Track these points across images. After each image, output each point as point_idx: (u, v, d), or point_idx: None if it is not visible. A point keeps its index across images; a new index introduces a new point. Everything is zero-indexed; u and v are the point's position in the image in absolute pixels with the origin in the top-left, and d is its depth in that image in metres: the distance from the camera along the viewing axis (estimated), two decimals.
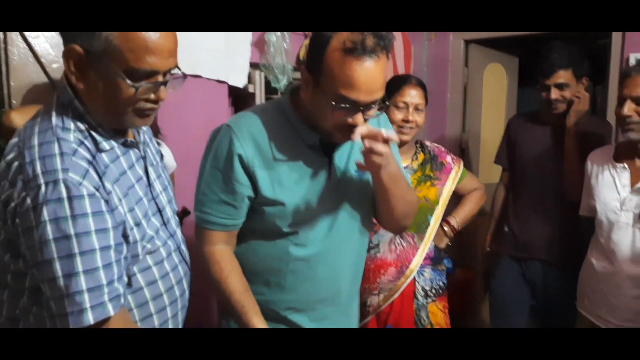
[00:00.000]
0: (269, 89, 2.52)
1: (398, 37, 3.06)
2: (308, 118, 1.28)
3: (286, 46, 2.41)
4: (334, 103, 1.16)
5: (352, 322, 1.55)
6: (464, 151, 3.51)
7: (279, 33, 2.38)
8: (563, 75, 2.16)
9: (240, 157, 1.26)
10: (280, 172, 1.29)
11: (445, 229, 2.07)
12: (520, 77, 3.75)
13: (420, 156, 2.04)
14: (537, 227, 2.29)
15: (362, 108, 1.17)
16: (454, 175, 2.04)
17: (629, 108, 1.76)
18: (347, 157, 1.37)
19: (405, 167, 1.98)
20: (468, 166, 3.48)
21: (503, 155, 2.47)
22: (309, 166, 1.31)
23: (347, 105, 1.16)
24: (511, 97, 3.68)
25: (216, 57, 2.25)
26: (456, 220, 2.09)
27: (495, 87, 3.61)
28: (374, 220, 1.93)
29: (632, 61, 2.64)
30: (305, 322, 1.42)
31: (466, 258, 3.39)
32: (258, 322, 1.29)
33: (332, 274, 1.41)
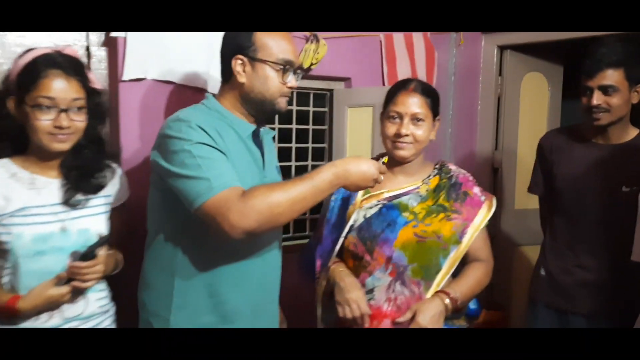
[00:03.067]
0: None
1: (419, 41, 2.68)
2: (240, 106, 1.43)
3: None
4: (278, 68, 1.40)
5: None
6: (496, 171, 3.10)
7: None
8: (611, 76, 1.73)
9: (219, 150, 1.30)
10: (234, 162, 1.33)
11: (446, 301, 1.52)
12: (565, 88, 3.29)
13: (434, 180, 1.64)
14: (578, 272, 1.87)
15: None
16: (485, 213, 1.59)
17: None
18: (271, 150, 1.53)
19: (410, 191, 1.61)
20: (502, 189, 3.07)
21: (538, 181, 2.05)
22: (250, 157, 1.42)
23: (288, 66, 1.40)
24: (554, 111, 3.26)
25: (192, 61, 1.90)
26: (457, 294, 1.53)
27: (535, 99, 3.20)
28: (367, 258, 1.57)
29: None
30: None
31: (495, 296, 2.96)
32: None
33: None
